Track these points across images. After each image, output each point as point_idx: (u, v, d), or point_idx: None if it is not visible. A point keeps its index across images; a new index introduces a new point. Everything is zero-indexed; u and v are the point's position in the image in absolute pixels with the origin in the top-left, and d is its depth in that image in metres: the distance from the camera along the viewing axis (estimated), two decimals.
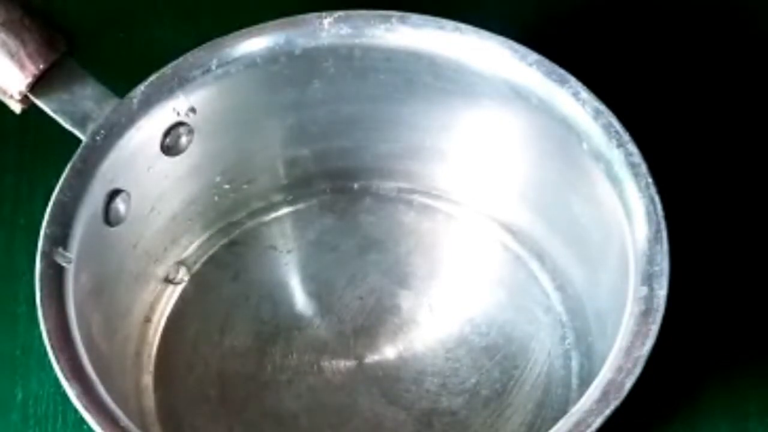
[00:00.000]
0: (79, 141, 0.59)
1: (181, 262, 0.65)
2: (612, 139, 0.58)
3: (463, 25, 0.61)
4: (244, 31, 0.61)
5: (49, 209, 0.57)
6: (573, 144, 0.59)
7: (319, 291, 0.66)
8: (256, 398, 0.64)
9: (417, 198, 0.68)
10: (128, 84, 0.60)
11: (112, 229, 0.60)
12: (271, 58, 0.61)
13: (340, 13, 0.60)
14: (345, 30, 0.61)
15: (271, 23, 0.61)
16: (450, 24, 0.60)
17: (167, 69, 0.60)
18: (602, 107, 0.59)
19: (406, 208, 0.68)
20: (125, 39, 0.74)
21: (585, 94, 0.59)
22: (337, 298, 0.66)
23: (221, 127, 0.63)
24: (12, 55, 0.58)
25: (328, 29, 0.61)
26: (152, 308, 0.65)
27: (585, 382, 0.60)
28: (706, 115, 0.72)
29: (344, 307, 0.66)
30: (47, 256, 0.56)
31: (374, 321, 0.65)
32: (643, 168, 0.57)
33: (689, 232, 0.62)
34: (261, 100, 0.63)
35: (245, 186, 0.66)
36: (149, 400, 0.63)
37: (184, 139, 0.62)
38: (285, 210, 0.68)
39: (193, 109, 0.61)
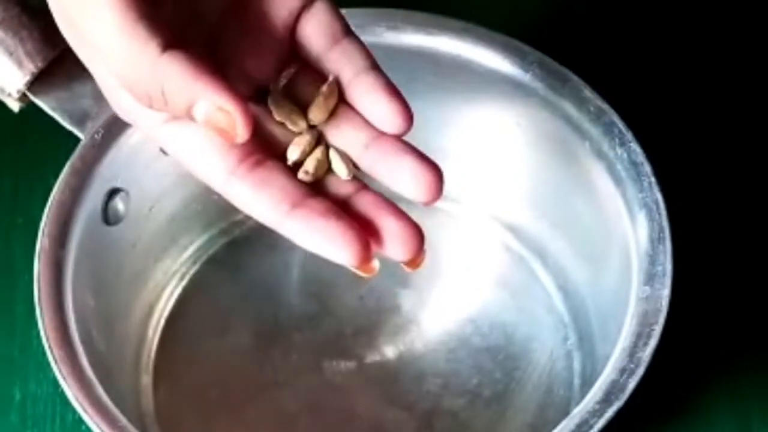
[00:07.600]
0: (78, 139, 0.59)
1: None
2: (614, 138, 0.58)
3: (465, 24, 0.61)
4: None
5: (47, 208, 0.57)
6: (575, 143, 0.59)
7: (319, 291, 0.66)
8: (256, 398, 0.63)
9: None
10: None
11: (111, 228, 0.60)
12: None
13: (343, 10, 0.60)
14: None
15: None
16: (452, 22, 0.60)
17: None
18: (605, 106, 0.59)
19: (406, 207, 0.67)
20: None
21: (587, 92, 0.59)
22: (337, 298, 0.66)
23: None
24: (10, 53, 0.57)
25: None
26: (151, 308, 0.65)
27: (587, 383, 0.59)
28: (708, 115, 0.71)
29: (344, 307, 0.66)
30: (46, 255, 0.56)
31: (374, 321, 0.65)
32: (646, 167, 0.57)
33: (692, 232, 0.62)
34: None
35: None
36: (148, 401, 0.63)
37: None
38: None
39: None
